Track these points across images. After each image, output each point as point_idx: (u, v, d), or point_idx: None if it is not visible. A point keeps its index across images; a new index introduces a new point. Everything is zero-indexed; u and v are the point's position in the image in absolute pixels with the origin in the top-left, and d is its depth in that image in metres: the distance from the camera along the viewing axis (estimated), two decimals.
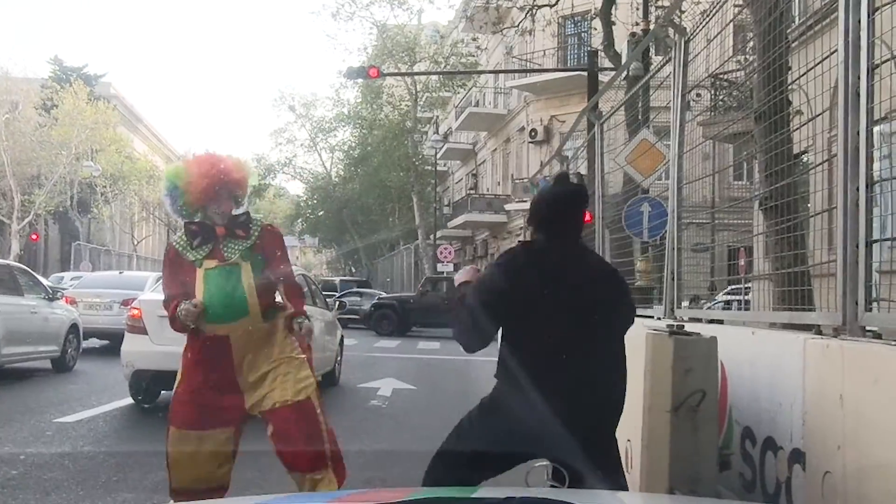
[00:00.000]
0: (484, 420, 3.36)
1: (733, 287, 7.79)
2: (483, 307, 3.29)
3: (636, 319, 3.80)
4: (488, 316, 3.30)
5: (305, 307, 4.64)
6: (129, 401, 9.32)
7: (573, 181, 3.72)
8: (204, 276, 4.24)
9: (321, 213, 57.78)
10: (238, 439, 4.40)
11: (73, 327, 13.22)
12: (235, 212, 4.44)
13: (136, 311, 9.23)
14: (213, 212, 4.33)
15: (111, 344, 15.12)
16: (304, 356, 4.34)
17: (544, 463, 3.12)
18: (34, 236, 43.98)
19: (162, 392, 9.64)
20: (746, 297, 6.68)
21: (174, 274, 4.42)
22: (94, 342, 16.08)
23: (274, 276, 4.39)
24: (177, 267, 4.40)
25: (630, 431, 4.19)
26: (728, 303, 8.61)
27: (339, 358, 12.24)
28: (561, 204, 3.44)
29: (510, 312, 3.26)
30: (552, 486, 3.05)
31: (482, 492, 2.29)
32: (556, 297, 3.24)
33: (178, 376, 4.50)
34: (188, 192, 4.29)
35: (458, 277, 3.57)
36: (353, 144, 51.78)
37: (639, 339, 4.12)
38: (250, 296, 4.22)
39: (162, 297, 9.64)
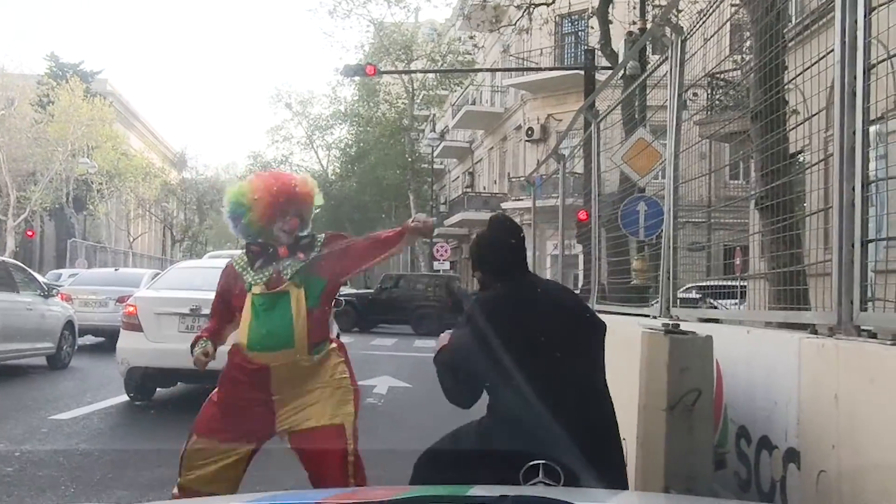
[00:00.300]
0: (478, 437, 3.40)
1: (706, 284, 7.69)
2: (467, 367, 3.35)
3: (632, 318, 3.82)
4: (474, 373, 3.35)
5: None
6: (125, 398, 9.32)
7: (504, 222, 3.74)
8: (251, 301, 4.06)
9: (317, 210, 57.54)
10: (254, 455, 4.24)
11: (69, 324, 13.20)
12: (301, 233, 4.26)
13: (131, 308, 9.22)
14: (279, 229, 4.13)
15: (106, 341, 15.12)
16: (353, 388, 4.15)
17: (539, 461, 3.12)
18: (30, 233, 43.92)
19: (157, 389, 9.65)
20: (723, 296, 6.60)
21: (224, 293, 4.28)
22: (89, 339, 16.07)
23: (352, 252, 4.20)
24: (230, 285, 4.23)
25: (625, 430, 4.19)
26: (703, 298, 8.42)
27: None
28: (501, 246, 3.54)
29: (495, 364, 3.26)
30: (546, 485, 3.05)
31: (476, 490, 2.29)
32: (531, 339, 3.30)
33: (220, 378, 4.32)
34: (253, 210, 4.12)
35: (437, 346, 3.60)
36: (350, 142, 51.79)
37: (634, 337, 4.12)
38: (297, 325, 3.98)
39: (157, 294, 9.67)
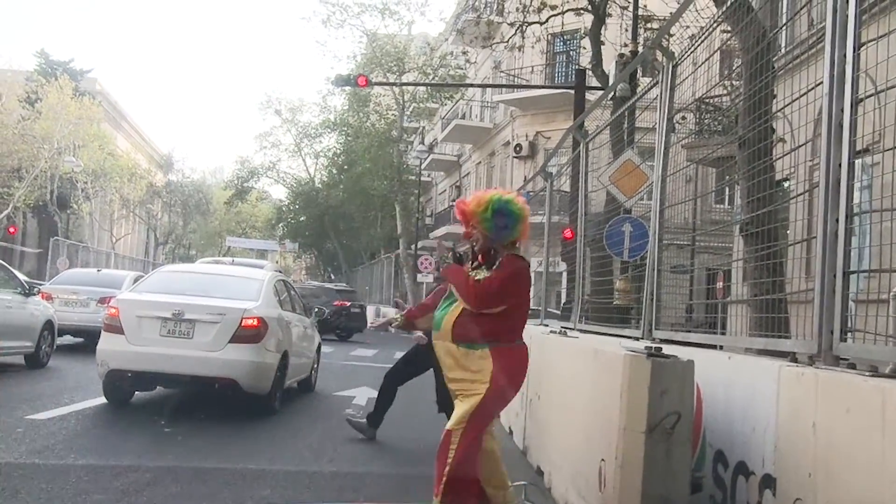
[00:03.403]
0: None
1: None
2: None
3: (613, 339, 3.86)
4: None
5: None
6: (103, 400, 9.25)
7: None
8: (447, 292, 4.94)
9: (303, 218, 57.70)
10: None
11: (48, 324, 13.10)
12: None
13: (113, 310, 9.16)
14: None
15: (86, 341, 15.01)
16: (482, 391, 4.61)
17: (522, 482, 3.14)
18: (12, 229, 43.60)
19: (136, 392, 9.59)
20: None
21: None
22: (68, 339, 15.95)
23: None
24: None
25: (604, 451, 4.22)
26: None
27: (315, 365, 12.21)
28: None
29: None
30: None
31: None
32: None
33: None
34: (524, 230, 4.79)
35: None
36: (339, 151, 51.77)
37: (616, 359, 4.14)
38: (449, 315, 4.70)
39: (140, 296, 9.64)
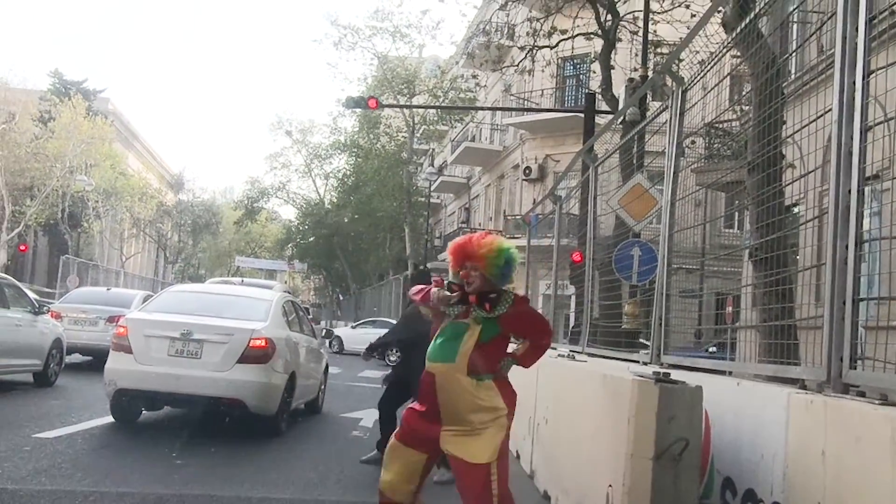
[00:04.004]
0: None
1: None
2: None
3: (622, 363, 3.86)
4: None
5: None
6: (110, 419, 9.25)
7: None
8: (443, 325, 4.88)
9: (312, 238, 57.82)
10: (430, 468, 4.88)
11: (57, 342, 13.13)
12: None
13: (122, 329, 9.18)
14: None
15: (94, 360, 15.03)
16: (503, 415, 4.67)
17: None
18: (22, 247, 43.80)
19: (143, 412, 9.59)
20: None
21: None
22: (76, 357, 15.97)
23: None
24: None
25: (612, 476, 4.19)
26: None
27: (322, 386, 12.19)
28: None
29: None
30: None
31: None
32: None
33: None
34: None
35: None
36: (348, 172, 51.94)
37: (624, 384, 4.13)
38: (463, 347, 4.70)
39: (148, 316, 9.69)
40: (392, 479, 4.76)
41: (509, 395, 4.76)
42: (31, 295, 14.53)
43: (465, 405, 4.63)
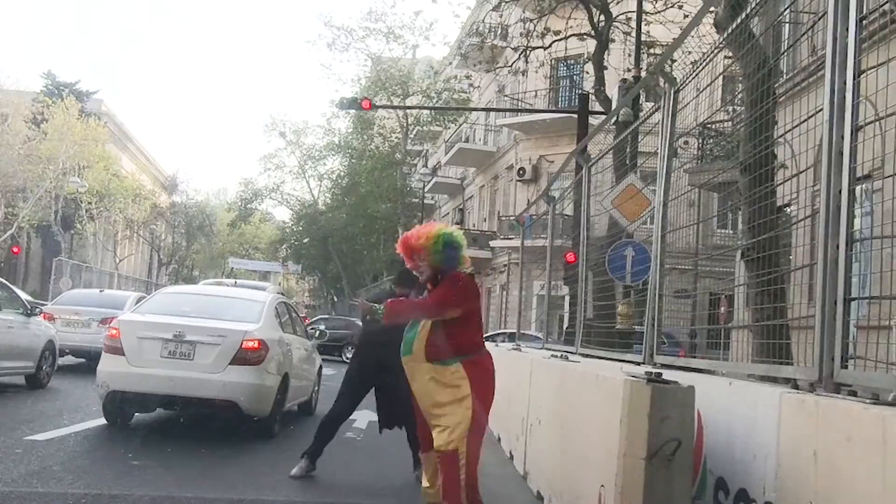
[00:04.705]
0: None
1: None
2: None
3: (615, 363, 3.85)
4: None
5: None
6: (102, 421, 9.21)
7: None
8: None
9: (306, 240, 57.77)
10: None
11: (49, 344, 13.08)
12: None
13: (114, 331, 9.15)
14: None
15: (87, 362, 14.97)
16: (467, 398, 4.98)
17: None
18: (15, 249, 43.65)
19: (135, 414, 9.55)
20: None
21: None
22: (69, 359, 15.92)
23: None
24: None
25: (604, 477, 4.19)
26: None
27: (316, 388, 12.16)
28: None
29: None
30: None
31: None
32: None
33: None
34: (466, 258, 5.42)
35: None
36: (342, 173, 51.90)
37: (616, 385, 4.12)
38: (417, 338, 5.12)
39: (141, 317, 9.71)
40: (427, 485, 5.27)
41: (481, 374, 5.07)
42: (24, 297, 14.48)
43: (432, 390, 4.98)
